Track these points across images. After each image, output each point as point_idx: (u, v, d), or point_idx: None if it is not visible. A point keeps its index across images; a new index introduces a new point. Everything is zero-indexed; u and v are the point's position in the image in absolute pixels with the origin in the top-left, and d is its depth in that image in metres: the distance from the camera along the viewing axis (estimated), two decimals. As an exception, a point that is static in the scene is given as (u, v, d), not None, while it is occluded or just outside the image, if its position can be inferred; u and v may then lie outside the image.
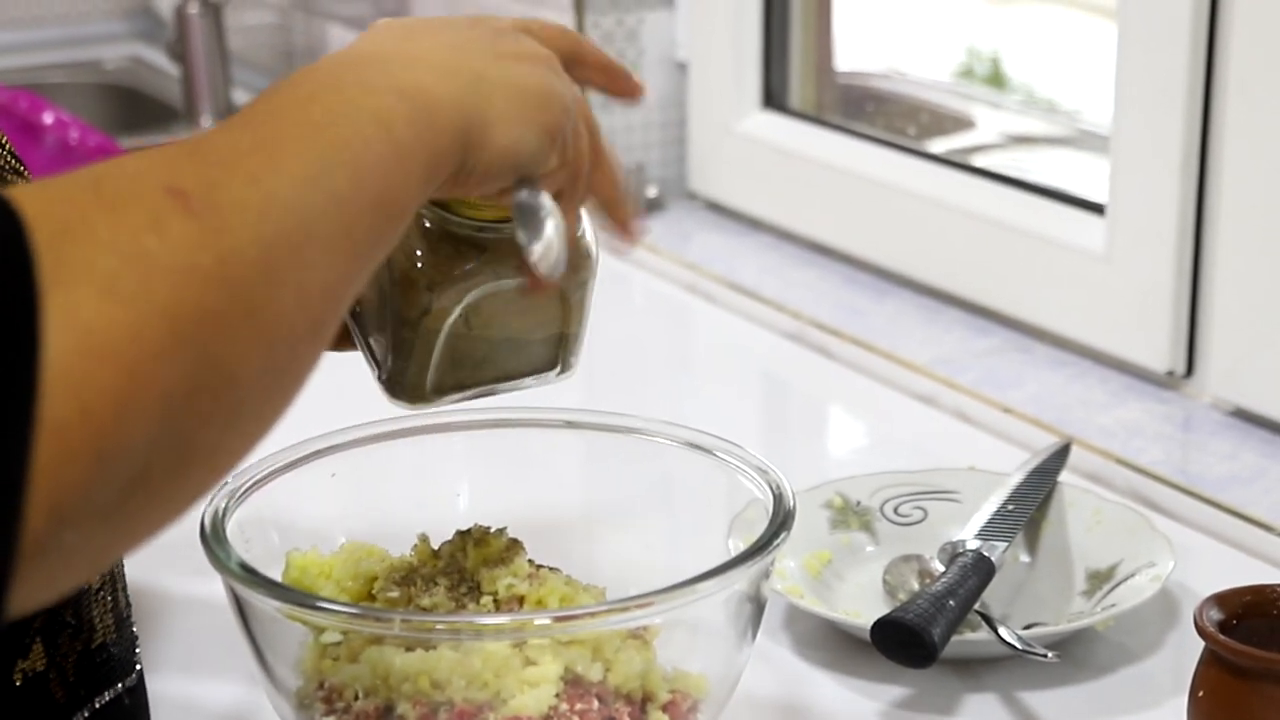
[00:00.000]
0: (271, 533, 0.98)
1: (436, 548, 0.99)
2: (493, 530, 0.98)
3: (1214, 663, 0.94)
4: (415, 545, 1.00)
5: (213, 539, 0.92)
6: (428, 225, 0.91)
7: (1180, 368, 1.41)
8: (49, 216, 0.58)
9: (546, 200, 0.84)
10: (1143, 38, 1.39)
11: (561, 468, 1.12)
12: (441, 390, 0.94)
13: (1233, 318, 1.36)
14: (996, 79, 1.94)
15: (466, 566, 0.97)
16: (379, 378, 0.94)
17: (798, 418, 1.60)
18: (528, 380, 0.96)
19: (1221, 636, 0.93)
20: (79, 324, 0.56)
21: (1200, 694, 0.95)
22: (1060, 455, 1.26)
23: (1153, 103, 1.38)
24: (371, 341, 0.94)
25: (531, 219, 0.84)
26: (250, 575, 0.91)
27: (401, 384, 0.93)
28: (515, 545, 0.98)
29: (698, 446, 1.05)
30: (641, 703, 0.93)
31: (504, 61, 0.81)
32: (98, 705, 0.80)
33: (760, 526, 0.95)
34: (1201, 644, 0.96)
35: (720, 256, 1.76)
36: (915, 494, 1.23)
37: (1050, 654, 1.03)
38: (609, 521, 1.10)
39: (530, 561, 0.98)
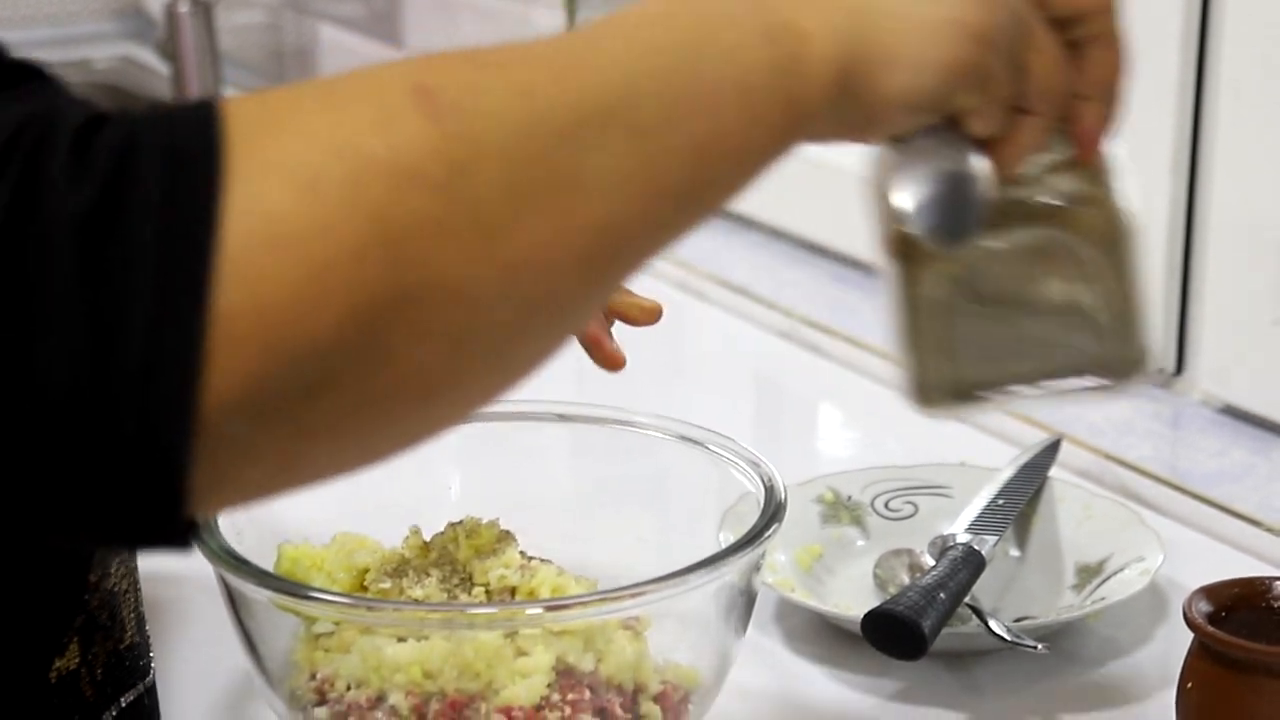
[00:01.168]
0: (263, 524, 0.99)
1: (428, 539, 0.99)
2: (484, 522, 0.99)
3: (1203, 654, 0.94)
4: (407, 537, 1.00)
5: (205, 530, 0.92)
6: None
7: (1170, 365, 1.41)
8: (251, 112, 0.56)
9: (946, 148, 0.73)
10: (1134, 35, 1.39)
11: (553, 460, 1.12)
12: (965, 390, 0.79)
13: (1222, 316, 1.36)
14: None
15: (458, 558, 0.97)
16: (904, 382, 0.80)
17: (789, 414, 1.60)
18: (1085, 380, 0.78)
19: (1210, 628, 0.93)
20: (261, 213, 0.54)
21: (1189, 685, 0.95)
22: (1050, 451, 1.26)
23: (1143, 102, 1.39)
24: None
25: (910, 172, 0.74)
26: (242, 566, 0.91)
27: (919, 383, 0.79)
28: (507, 537, 0.98)
29: (689, 439, 1.05)
30: (633, 693, 0.93)
31: None
32: (123, 704, 0.80)
33: (751, 519, 0.95)
34: (1190, 637, 0.96)
35: (711, 254, 1.76)
36: (906, 489, 1.23)
37: (1040, 645, 1.04)
38: (600, 514, 1.10)
39: (522, 553, 0.98)
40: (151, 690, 0.83)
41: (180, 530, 0.56)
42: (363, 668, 0.92)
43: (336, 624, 0.93)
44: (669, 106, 0.62)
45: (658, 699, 0.94)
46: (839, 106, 0.69)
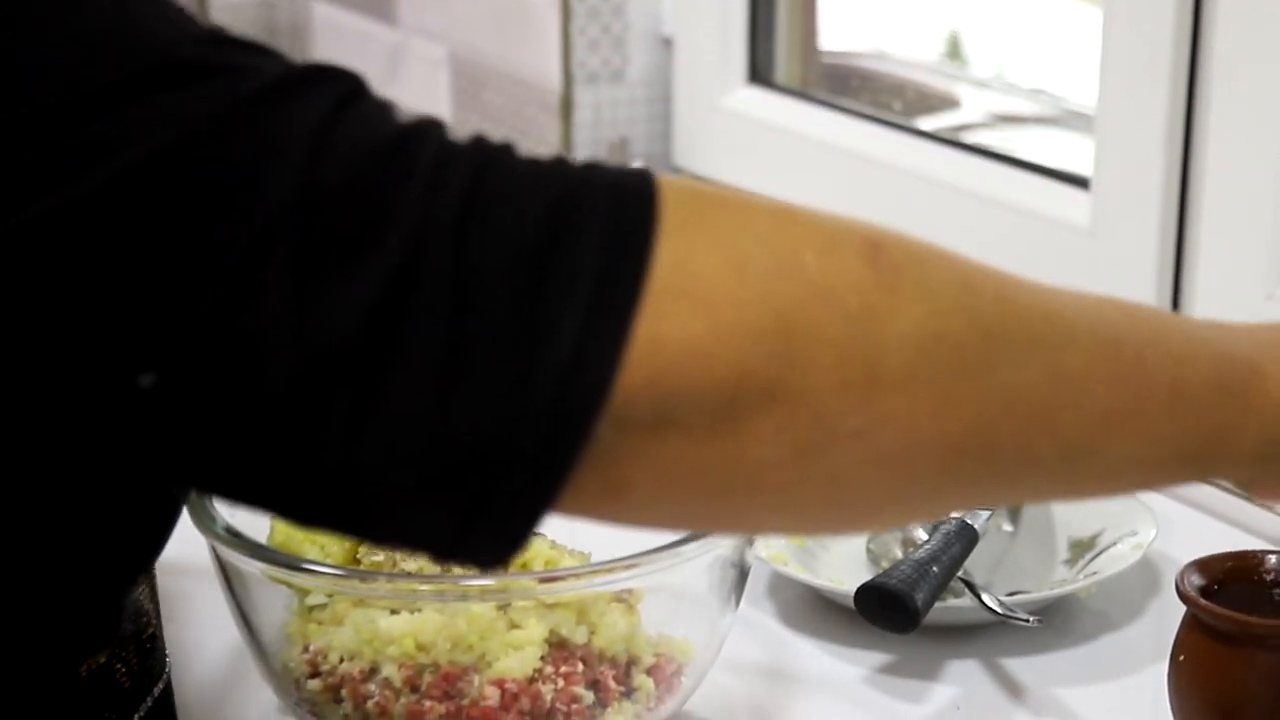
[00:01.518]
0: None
1: (421, 512, 0.99)
2: (477, 495, 0.98)
3: (1195, 627, 0.95)
4: (400, 510, 1.00)
5: (197, 503, 0.93)
6: None
7: (1163, 341, 1.41)
8: (690, 188, 0.61)
9: None
10: (1128, 11, 1.39)
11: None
12: None
13: (1216, 292, 1.36)
14: (956, 55, 1.95)
15: (451, 531, 0.97)
16: None
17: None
18: None
19: (1203, 601, 0.93)
20: (687, 269, 0.58)
21: (1181, 658, 0.95)
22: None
23: (1138, 78, 1.39)
24: None
25: None
26: (235, 538, 0.91)
27: None
28: (500, 510, 0.98)
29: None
30: (626, 666, 0.94)
31: None
32: (156, 693, 0.81)
33: (744, 491, 0.95)
34: (1182, 611, 0.96)
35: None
36: (899, 464, 1.23)
37: (1032, 619, 1.04)
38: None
39: (515, 526, 0.98)
40: (170, 680, 0.83)
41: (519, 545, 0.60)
42: (356, 640, 0.92)
43: (329, 596, 0.93)
44: (1096, 361, 0.65)
45: (650, 672, 0.94)
46: (1267, 458, 0.70)
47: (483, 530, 0.59)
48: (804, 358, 0.60)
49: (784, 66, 1.84)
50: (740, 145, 1.81)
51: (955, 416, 0.62)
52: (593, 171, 0.60)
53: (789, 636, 1.09)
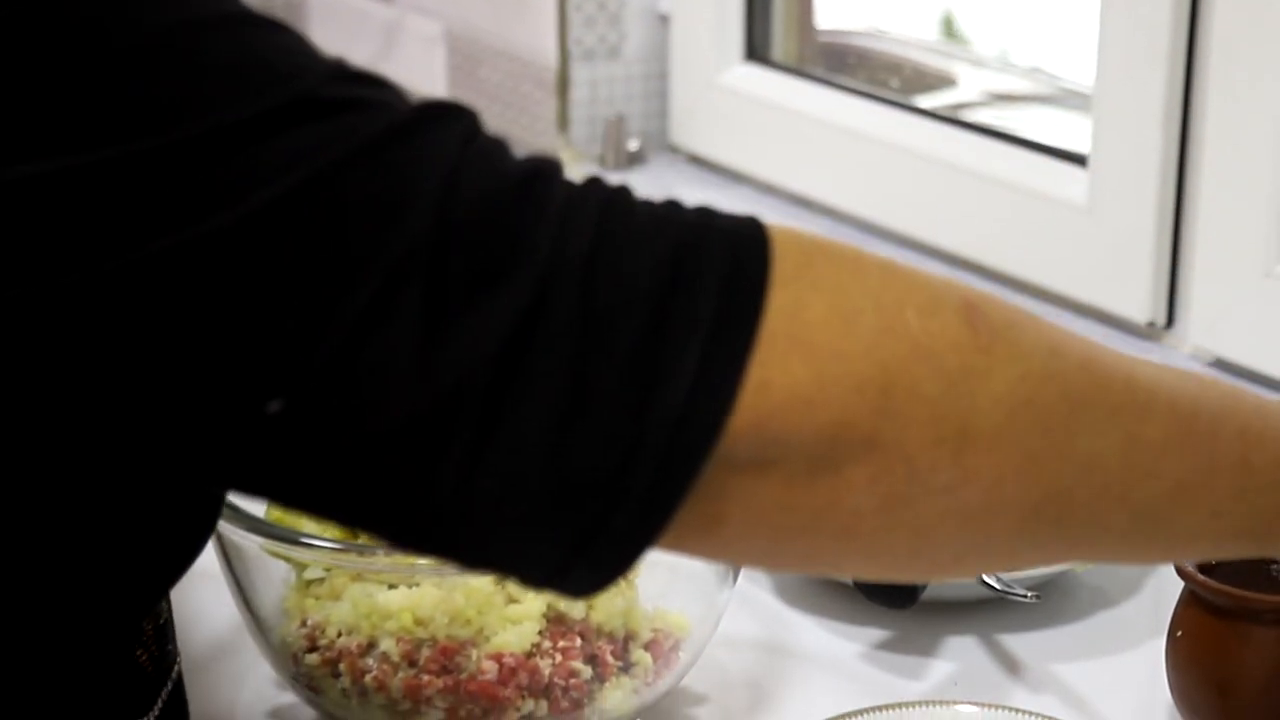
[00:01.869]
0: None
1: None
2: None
3: (1193, 603, 0.95)
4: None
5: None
6: None
7: (1161, 318, 1.42)
8: (801, 238, 0.64)
9: None
10: (1125, -12, 1.39)
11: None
12: None
13: (1213, 269, 1.36)
14: (952, 35, 1.95)
15: (449, 505, 0.97)
16: None
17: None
18: None
19: (1201, 576, 0.94)
20: (799, 317, 0.61)
21: (1179, 634, 0.95)
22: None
23: (1136, 55, 1.39)
24: None
25: None
26: (233, 512, 0.91)
27: None
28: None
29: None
30: (624, 641, 0.94)
31: None
32: (174, 675, 0.81)
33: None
34: (1179, 588, 0.96)
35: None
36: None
37: (1031, 595, 1.04)
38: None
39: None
40: (180, 670, 0.83)
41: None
42: (354, 614, 0.92)
43: (327, 570, 0.93)
44: (1172, 433, 0.67)
45: (648, 647, 0.94)
46: None
47: (585, 564, 0.61)
48: (903, 412, 0.62)
49: (781, 44, 1.84)
50: (737, 122, 1.81)
51: (1037, 479, 0.65)
52: (708, 217, 0.63)
53: (786, 612, 1.09)
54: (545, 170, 0.61)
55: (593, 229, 0.60)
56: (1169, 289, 1.41)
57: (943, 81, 1.90)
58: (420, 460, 0.59)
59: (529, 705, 0.91)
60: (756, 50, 1.83)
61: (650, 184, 1.83)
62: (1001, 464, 0.64)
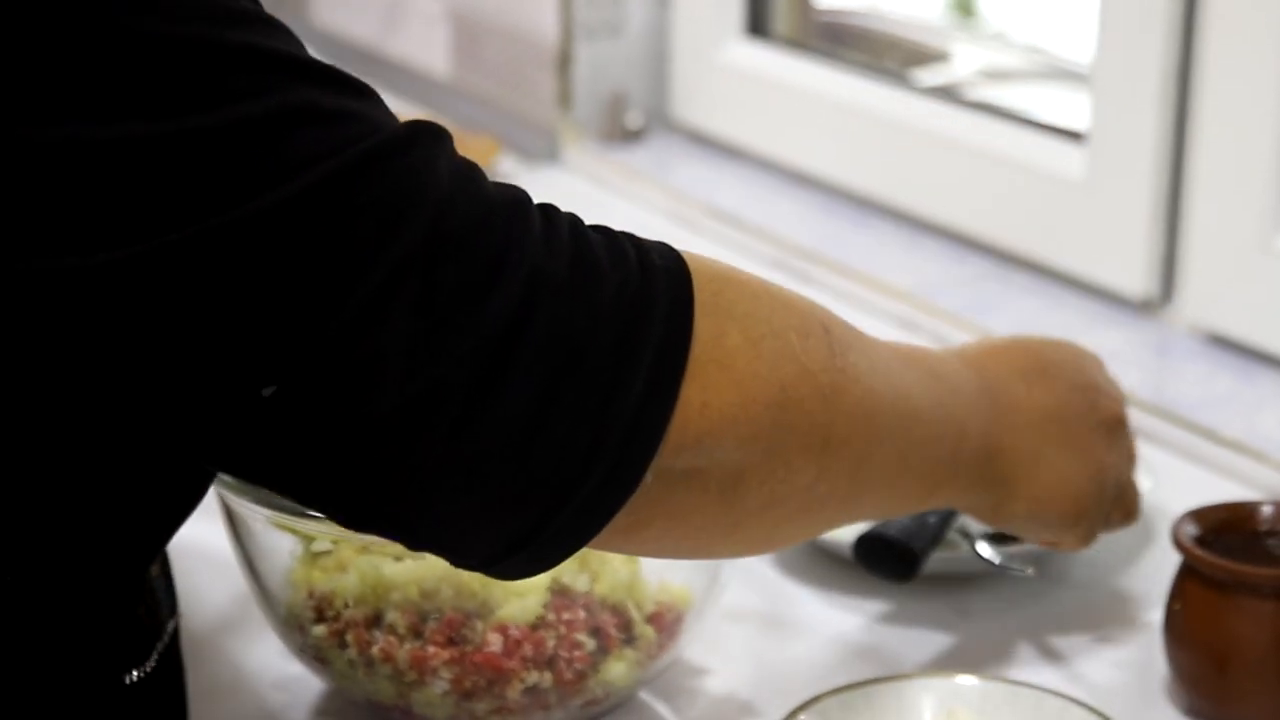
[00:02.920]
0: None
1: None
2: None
3: (1190, 577, 0.96)
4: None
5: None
6: None
7: (1157, 293, 1.42)
8: (712, 270, 0.73)
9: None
10: (1124, -34, 1.39)
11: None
12: None
13: (1210, 244, 1.37)
14: (965, 7, 1.95)
15: (455, 479, 0.98)
16: None
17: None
18: None
19: (1198, 551, 0.95)
20: (721, 344, 0.71)
21: (1176, 607, 0.96)
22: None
23: (1134, 30, 1.39)
24: None
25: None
26: (241, 485, 0.92)
27: None
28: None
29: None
30: (627, 613, 0.94)
31: (1088, 456, 0.95)
32: (170, 628, 0.82)
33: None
34: (1177, 561, 0.97)
35: (702, 185, 1.76)
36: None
37: (1029, 570, 1.05)
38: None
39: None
40: (178, 625, 0.84)
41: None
42: (360, 586, 0.92)
43: (334, 543, 0.94)
44: (927, 442, 0.84)
45: (651, 619, 0.95)
46: (990, 508, 0.93)
47: (524, 555, 0.69)
48: (791, 425, 0.73)
49: (781, 21, 1.84)
50: (737, 99, 1.82)
51: (857, 475, 0.78)
52: (640, 244, 0.71)
53: (788, 585, 1.10)
54: (520, 196, 0.68)
55: (570, 253, 0.67)
56: (1166, 264, 1.42)
57: (942, 58, 1.90)
58: (395, 448, 0.64)
59: (533, 677, 0.92)
60: (757, 27, 1.83)
61: (651, 160, 1.83)
62: (842, 464, 0.77)
